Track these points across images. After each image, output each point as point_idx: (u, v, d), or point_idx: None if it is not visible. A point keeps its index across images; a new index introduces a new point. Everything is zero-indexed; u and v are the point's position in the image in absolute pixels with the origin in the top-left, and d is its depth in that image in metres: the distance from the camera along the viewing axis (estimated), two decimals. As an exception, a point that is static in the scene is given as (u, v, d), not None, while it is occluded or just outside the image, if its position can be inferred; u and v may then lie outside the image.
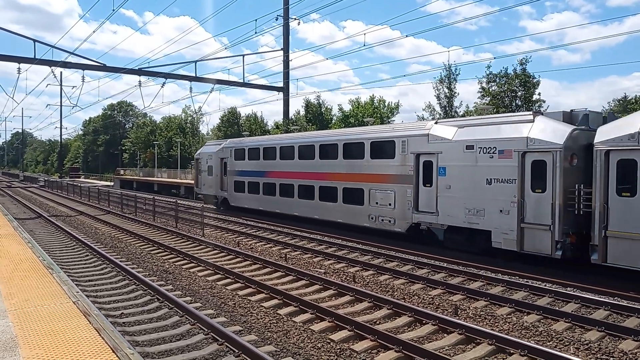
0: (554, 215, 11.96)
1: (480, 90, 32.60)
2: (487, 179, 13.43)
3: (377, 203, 17.08)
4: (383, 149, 17.03)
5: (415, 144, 15.68)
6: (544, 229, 12.13)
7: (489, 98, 31.47)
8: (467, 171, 13.97)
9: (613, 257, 10.88)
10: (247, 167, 24.92)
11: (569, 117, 12.98)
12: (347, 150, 18.71)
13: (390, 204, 16.55)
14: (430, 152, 15.15)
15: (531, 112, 13.86)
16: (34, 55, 29.59)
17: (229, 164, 26.43)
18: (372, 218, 17.29)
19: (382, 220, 16.91)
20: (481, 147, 13.61)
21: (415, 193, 15.61)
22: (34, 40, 29.48)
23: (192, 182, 33.68)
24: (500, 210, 13.07)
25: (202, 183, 29.38)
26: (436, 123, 15.87)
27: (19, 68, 30.48)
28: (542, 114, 13.60)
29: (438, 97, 35.19)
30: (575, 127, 12.35)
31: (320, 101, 46.14)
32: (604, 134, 11.36)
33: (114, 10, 27.63)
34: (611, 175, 11.01)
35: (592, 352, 7.27)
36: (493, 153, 13.32)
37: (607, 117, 13.22)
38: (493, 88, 31.84)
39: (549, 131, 12.43)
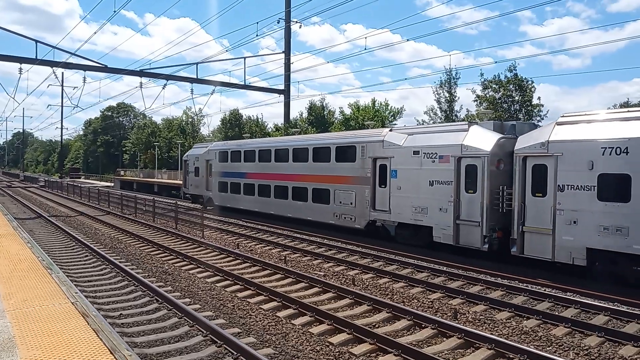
0: (482, 213, 13.68)
1: (476, 99, 32.61)
2: (429, 181, 15.16)
3: (340, 202, 18.86)
4: (346, 153, 18.77)
5: (373, 149, 17.42)
6: (474, 225, 13.86)
7: (486, 104, 31.44)
8: (413, 174, 15.71)
9: (528, 249, 12.71)
10: (230, 169, 26.56)
11: (499, 126, 14.77)
12: (316, 154, 20.46)
13: (351, 203, 18.32)
14: (384, 156, 16.87)
15: (467, 122, 15.79)
16: (36, 56, 29.67)
17: (214, 166, 27.98)
18: (336, 216, 19.06)
19: (345, 217, 18.69)
20: (425, 153, 15.35)
21: (372, 193, 17.40)
22: (36, 41, 29.58)
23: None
24: (440, 209, 14.76)
25: (190, 183, 31.02)
26: (390, 130, 17.70)
27: (20, 68, 30.57)
28: (477, 123, 15.44)
29: (438, 101, 35.20)
30: (502, 135, 14.01)
31: (324, 104, 46.18)
32: (522, 142, 13.05)
33: (115, 11, 27.74)
34: (527, 178, 12.77)
35: (592, 357, 7.25)
36: (435, 158, 15.04)
37: (531, 127, 14.71)
38: (490, 94, 31.84)
39: (479, 139, 14.08)
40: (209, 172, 28.51)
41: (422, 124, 33.90)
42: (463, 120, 32.65)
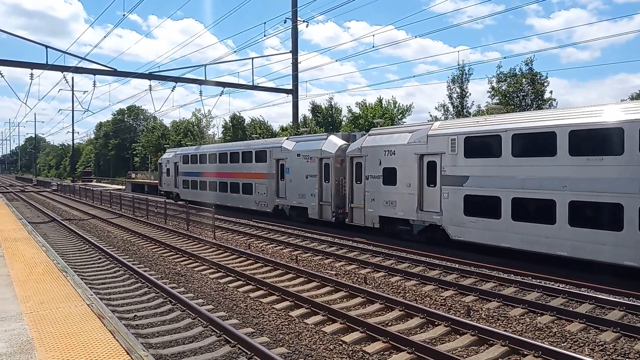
0: (331, 196, 20.14)
1: (490, 90, 32.41)
2: (306, 175, 21.45)
3: (259, 193, 25.01)
4: (261, 156, 24.96)
5: (276, 152, 23.70)
6: (328, 205, 20.38)
7: (499, 97, 31.26)
8: (298, 170, 22.01)
9: (354, 219, 18.79)
10: (189, 170, 33.05)
11: (347, 136, 21.18)
12: (244, 157, 26.60)
13: (265, 193, 24.52)
14: (282, 158, 23.17)
15: (326, 133, 23.24)
16: (46, 61, 29.92)
17: (180, 167, 34.57)
18: (256, 203, 25.20)
19: (261, 204, 24.81)
20: (303, 155, 21.72)
21: (276, 185, 23.64)
22: (46, 47, 29.81)
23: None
24: (312, 194, 21.12)
25: (163, 182, 37.83)
26: (287, 139, 24.06)
27: (31, 74, 30.75)
28: (333, 134, 22.22)
29: (450, 97, 35.04)
30: (345, 142, 20.15)
31: (332, 103, 46.09)
32: (351, 147, 19.00)
33: (124, 15, 28.15)
34: (353, 172, 18.78)
35: (608, 353, 7.19)
36: (308, 158, 21.33)
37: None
38: (503, 87, 31.62)
39: (331, 145, 20.45)
40: (177, 172, 35.05)
41: (436, 119, 33.99)
42: (475, 115, 32.62)
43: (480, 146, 13.92)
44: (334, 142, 20.34)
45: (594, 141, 11.47)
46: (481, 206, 13.72)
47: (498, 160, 13.25)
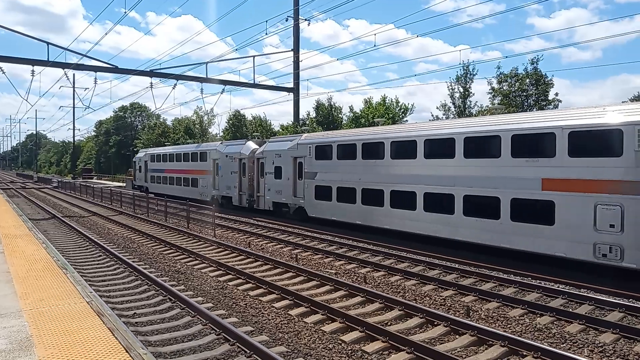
0: (246, 188, 26.16)
1: (490, 90, 32.36)
2: (231, 172, 27.47)
3: (202, 186, 31.31)
4: (204, 156, 31.18)
5: (213, 154, 29.90)
6: (244, 194, 26.44)
7: (500, 98, 31.21)
8: (226, 168, 28.07)
9: (260, 205, 25.03)
10: (156, 167, 39.75)
11: (260, 142, 26.81)
12: (192, 157, 32.94)
13: (206, 186, 30.75)
14: (217, 158, 29.35)
15: (245, 139, 30.63)
16: (48, 58, 29.91)
17: (149, 165, 41.25)
18: (200, 194, 31.05)
19: (203, 195, 30.69)
20: (229, 156, 27.76)
21: (213, 180, 29.91)
22: (48, 43, 29.81)
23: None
24: (234, 187, 27.13)
25: (137, 177, 45.01)
26: (221, 143, 30.85)
27: (32, 70, 30.71)
28: (251, 139, 29.45)
29: (452, 97, 34.92)
30: (257, 147, 26.00)
31: (332, 103, 46.05)
32: (258, 150, 25.36)
33: (125, 12, 27.94)
34: (259, 169, 25.08)
35: (607, 354, 7.18)
36: (232, 159, 27.35)
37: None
38: (504, 88, 31.56)
39: (246, 149, 26.50)
40: (147, 169, 41.47)
41: (437, 119, 33.99)
42: (476, 115, 32.63)
43: (322, 152, 20.50)
44: (250, 146, 26.54)
45: (375, 150, 17.71)
46: (323, 193, 20.29)
47: (330, 162, 19.97)
